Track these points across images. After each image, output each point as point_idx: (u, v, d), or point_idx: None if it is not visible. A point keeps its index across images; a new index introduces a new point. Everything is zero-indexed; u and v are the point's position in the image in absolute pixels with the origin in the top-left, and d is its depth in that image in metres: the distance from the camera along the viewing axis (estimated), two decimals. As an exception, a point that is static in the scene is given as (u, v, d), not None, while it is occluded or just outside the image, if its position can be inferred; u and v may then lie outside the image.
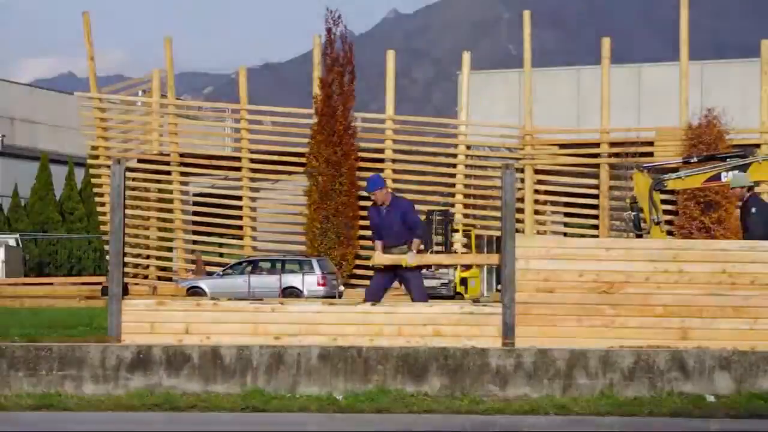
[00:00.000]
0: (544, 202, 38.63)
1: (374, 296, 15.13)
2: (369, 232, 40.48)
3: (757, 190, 16.90)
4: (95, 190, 44.80)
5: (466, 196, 39.05)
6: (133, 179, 42.02)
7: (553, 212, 38.78)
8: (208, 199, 42.37)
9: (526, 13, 40.18)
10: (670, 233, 35.99)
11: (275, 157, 40.28)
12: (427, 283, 30.80)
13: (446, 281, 31.36)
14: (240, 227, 41.51)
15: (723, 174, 17.73)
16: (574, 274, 13.38)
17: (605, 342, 13.23)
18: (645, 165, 19.94)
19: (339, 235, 38.42)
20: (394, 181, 39.26)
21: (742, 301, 13.33)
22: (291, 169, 40.30)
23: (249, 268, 36.92)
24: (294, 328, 13.41)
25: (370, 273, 43.40)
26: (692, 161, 19.22)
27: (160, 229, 43.42)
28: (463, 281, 32.34)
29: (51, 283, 38.22)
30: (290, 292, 34.84)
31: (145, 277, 42.29)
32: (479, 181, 39.45)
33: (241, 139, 42.06)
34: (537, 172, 38.30)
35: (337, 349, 13.07)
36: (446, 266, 32.78)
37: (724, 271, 13.35)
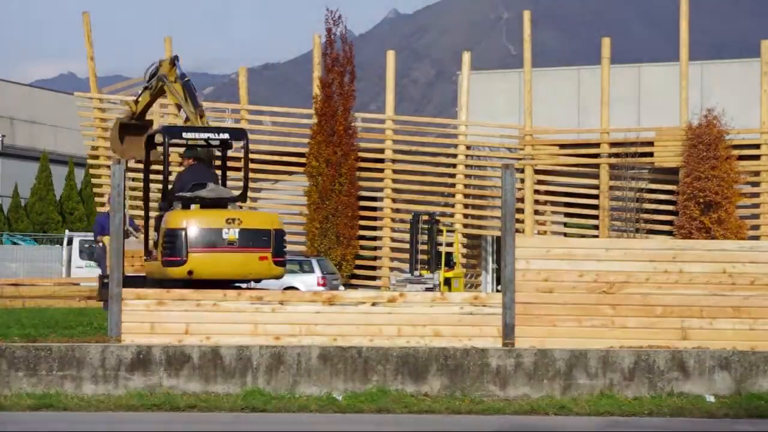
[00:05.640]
0: (544, 202, 38.55)
1: None
2: (369, 233, 40.31)
3: None
4: (95, 190, 44.76)
5: (466, 196, 39.01)
6: (133, 179, 41.95)
7: (553, 212, 38.69)
8: (208, 200, 42.17)
9: (526, 13, 40.13)
10: (670, 233, 36.03)
11: (275, 157, 40.22)
12: (414, 287, 30.80)
13: (431, 285, 31.30)
14: (240, 227, 41.46)
15: None
16: (574, 274, 13.38)
17: (605, 342, 13.23)
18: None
19: (339, 235, 38.40)
20: (394, 181, 39.25)
21: (742, 301, 13.33)
22: (291, 169, 40.24)
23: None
24: (294, 329, 13.41)
25: (371, 273, 43.25)
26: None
27: (160, 229, 43.22)
28: (447, 281, 32.30)
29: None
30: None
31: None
32: (479, 181, 39.41)
33: (241, 139, 42.05)
34: (537, 172, 38.24)
35: (337, 349, 13.06)
36: (431, 269, 32.88)
37: (724, 271, 13.35)
